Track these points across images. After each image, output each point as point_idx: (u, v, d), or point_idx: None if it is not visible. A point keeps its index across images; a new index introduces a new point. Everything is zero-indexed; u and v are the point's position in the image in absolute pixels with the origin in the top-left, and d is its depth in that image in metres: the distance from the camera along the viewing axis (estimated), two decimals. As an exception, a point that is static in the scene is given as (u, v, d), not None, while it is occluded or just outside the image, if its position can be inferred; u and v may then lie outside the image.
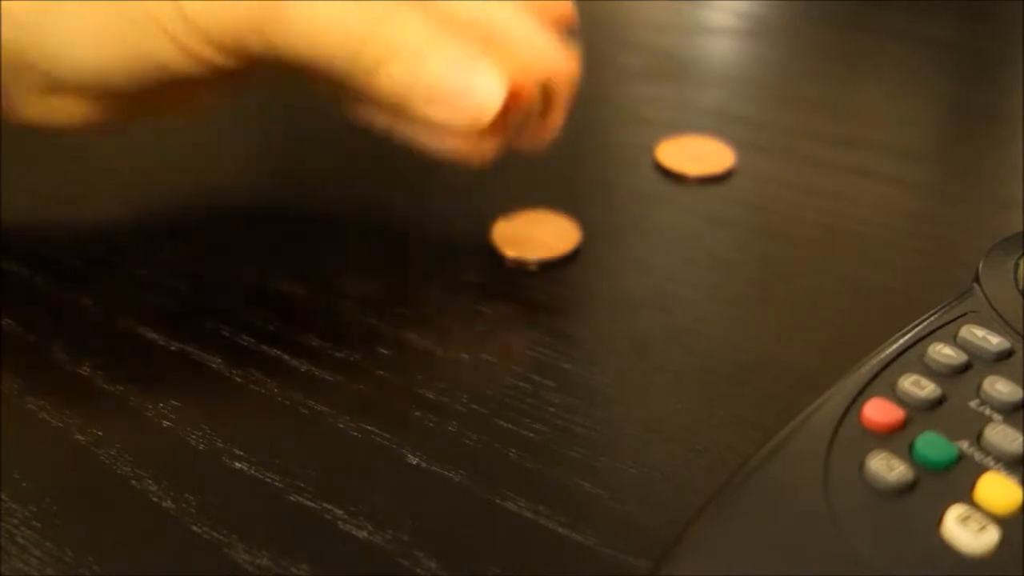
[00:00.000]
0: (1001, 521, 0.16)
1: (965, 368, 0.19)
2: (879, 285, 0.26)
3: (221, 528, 0.19)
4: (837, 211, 0.30)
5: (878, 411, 0.18)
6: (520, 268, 0.27)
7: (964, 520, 0.16)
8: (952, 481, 0.17)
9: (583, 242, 0.28)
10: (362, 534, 0.19)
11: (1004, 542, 0.16)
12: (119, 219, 0.29)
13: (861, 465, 0.17)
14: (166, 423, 0.22)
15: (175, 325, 0.25)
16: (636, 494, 0.20)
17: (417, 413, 0.22)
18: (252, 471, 0.21)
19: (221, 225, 0.28)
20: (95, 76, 0.23)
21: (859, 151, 0.33)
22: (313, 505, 0.20)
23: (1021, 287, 0.21)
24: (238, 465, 0.21)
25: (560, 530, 0.19)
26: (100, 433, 0.21)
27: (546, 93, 0.26)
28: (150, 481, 0.20)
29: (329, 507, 0.20)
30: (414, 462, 0.21)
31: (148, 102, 0.25)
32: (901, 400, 0.19)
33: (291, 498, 0.20)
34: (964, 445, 0.18)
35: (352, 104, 0.26)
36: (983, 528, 0.16)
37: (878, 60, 0.41)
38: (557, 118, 0.27)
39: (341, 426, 0.22)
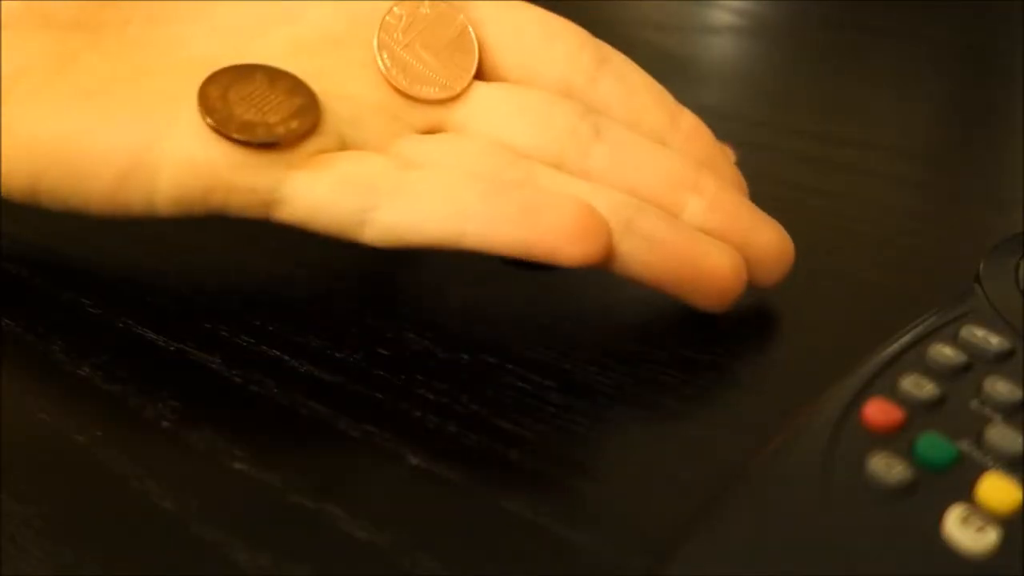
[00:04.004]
0: (1001, 521, 0.16)
1: (965, 368, 0.19)
2: (878, 285, 0.26)
3: (221, 529, 0.19)
4: (836, 211, 0.30)
5: (878, 411, 0.18)
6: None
7: (964, 520, 0.16)
8: (952, 481, 0.17)
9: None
10: (362, 534, 0.19)
11: (1004, 542, 0.16)
12: (119, 219, 0.29)
13: (861, 465, 0.17)
14: (166, 423, 0.22)
15: (175, 325, 0.25)
16: (636, 494, 0.20)
17: (417, 413, 0.22)
18: (252, 471, 0.21)
19: (221, 225, 0.28)
20: None
21: (858, 151, 0.33)
22: (313, 505, 0.20)
23: (1022, 287, 0.21)
24: (238, 465, 0.21)
25: (560, 530, 0.19)
26: (100, 433, 0.21)
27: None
28: (150, 481, 0.20)
29: (329, 507, 0.20)
30: (414, 462, 0.21)
31: None
32: (901, 400, 0.19)
33: (291, 498, 0.20)
34: (964, 445, 0.18)
35: None
36: (983, 528, 0.16)
37: (878, 60, 0.41)
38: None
39: (341, 426, 0.22)
